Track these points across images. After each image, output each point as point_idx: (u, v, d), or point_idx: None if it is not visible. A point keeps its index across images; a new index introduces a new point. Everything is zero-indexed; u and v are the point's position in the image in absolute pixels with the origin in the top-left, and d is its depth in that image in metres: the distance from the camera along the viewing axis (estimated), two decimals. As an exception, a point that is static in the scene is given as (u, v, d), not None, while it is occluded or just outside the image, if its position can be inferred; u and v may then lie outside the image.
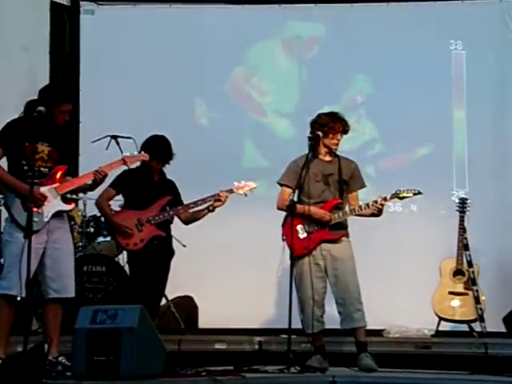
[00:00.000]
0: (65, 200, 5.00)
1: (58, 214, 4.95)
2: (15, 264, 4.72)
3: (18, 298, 4.73)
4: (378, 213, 5.44)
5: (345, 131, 5.54)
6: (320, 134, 5.47)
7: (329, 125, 5.48)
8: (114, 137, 6.67)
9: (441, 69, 7.50)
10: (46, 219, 4.87)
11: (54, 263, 4.89)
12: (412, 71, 7.48)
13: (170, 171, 6.10)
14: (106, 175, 5.02)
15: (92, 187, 5.11)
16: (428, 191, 5.82)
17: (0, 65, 7.26)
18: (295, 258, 5.41)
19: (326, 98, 7.10)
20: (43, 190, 4.88)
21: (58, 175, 4.96)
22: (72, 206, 5.20)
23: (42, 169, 4.93)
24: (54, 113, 4.92)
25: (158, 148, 5.87)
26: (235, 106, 7.69)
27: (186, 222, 5.99)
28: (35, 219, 4.79)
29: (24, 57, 7.32)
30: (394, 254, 7.20)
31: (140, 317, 4.35)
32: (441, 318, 6.69)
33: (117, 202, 6.18)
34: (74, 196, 5.41)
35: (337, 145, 5.53)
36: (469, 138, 7.49)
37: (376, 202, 5.40)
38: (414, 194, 5.43)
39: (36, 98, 5.00)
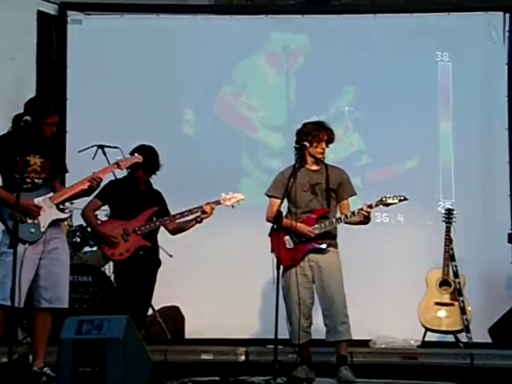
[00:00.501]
0: (59, 209, 5.00)
1: (54, 224, 4.97)
2: (10, 275, 4.70)
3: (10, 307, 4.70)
4: (366, 220, 5.44)
5: (330, 140, 5.55)
6: (306, 143, 5.49)
7: (313, 133, 5.51)
8: (101, 146, 6.67)
9: (427, 80, 7.54)
10: (42, 229, 4.89)
11: (47, 273, 4.90)
12: (398, 82, 7.51)
13: (157, 181, 6.10)
14: (101, 180, 5.04)
15: (87, 193, 5.12)
16: (414, 202, 5.84)
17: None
18: (283, 269, 5.41)
19: (314, 109, 7.11)
20: (38, 200, 4.89)
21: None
22: (68, 214, 5.22)
23: (36, 180, 4.94)
24: (41, 125, 4.93)
25: (146, 158, 5.86)
26: (223, 118, 7.69)
27: (173, 232, 5.99)
28: (32, 230, 4.81)
29: (10, 66, 7.30)
30: (381, 265, 7.21)
31: (126, 327, 4.33)
32: (427, 329, 6.71)
33: (103, 212, 6.18)
34: (61, 206, 5.38)
35: (322, 153, 5.54)
36: (455, 149, 7.52)
37: (361, 209, 5.41)
38: (400, 201, 5.44)
39: (22, 111, 5.00)
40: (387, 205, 5.43)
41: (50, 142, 5.03)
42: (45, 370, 4.81)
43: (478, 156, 7.48)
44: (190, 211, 5.83)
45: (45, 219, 4.90)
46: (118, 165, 5.24)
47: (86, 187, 5.02)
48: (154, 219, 5.92)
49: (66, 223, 6.64)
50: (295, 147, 5.54)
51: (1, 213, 4.93)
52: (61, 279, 4.94)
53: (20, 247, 4.66)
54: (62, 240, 5.03)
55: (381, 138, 7.46)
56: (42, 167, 4.96)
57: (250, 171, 7.55)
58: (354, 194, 5.64)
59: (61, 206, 5.16)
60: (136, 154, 5.45)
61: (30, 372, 4.51)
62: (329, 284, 5.44)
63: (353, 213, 5.44)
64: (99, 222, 6.07)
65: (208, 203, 5.80)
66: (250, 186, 7.18)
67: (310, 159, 5.56)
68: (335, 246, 5.57)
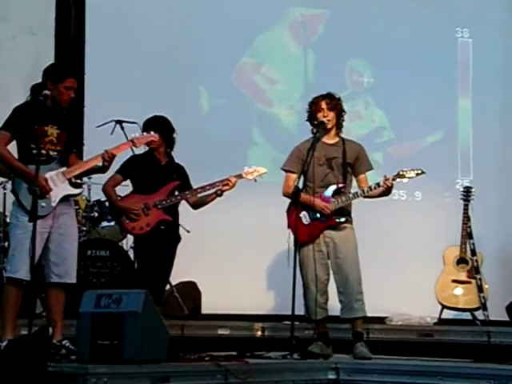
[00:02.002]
0: (72, 184, 4.99)
1: (65, 199, 4.94)
2: (20, 247, 4.73)
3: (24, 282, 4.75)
4: (387, 191, 5.41)
5: (333, 108, 5.49)
6: (324, 119, 5.46)
7: (312, 102, 5.50)
8: (119, 122, 6.65)
9: (447, 57, 7.50)
10: (53, 204, 4.86)
11: (57, 248, 4.89)
12: (418, 58, 7.47)
13: (178, 156, 6.09)
14: (114, 157, 5.00)
15: (102, 170, 5.09)
16: (433, 179, 5.83)
17: (6, 48, 7.26)
18: (299, 245, 5.41)
19: (333, 85, 7.07)
20: (50, 174, 4.87)
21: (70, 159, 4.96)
22: (80, 190, 5.18)
23: (51, 152, 4.90)
24: (60, 89, 4.89)
25: (161, 127, 5.82)
26: (241, 93, 7.67)
27: (195, 206, 5.94)
28: (43, 204, 4.79)
29: (30, 40, 7.30)
30: (398, 242, 7.21)
31: (144, 302, 4.34)
32: (444, 306, 6.71)
33: (123, 188, 6.17)
34: (79, 180, 5.38)
35: (328, 121, 5.49)
36: (474, 127, 7.49)
37: (387, 179, 5.36)
38: (417, 174, 5.40)
39: (41, 81, 4.99)
40: (405, 178, 5.40)
41: (68, 115, 5.01)
42: (64, 342, 4.84)
43: (496, 134, 7.45)
44: (212, 185, 5.78)
45: (56, 194, 4.86)
46: (132, 142, 5.21)
47: (99, 163, 4.99)
48: (176, 193, 5.89)
49: (83, 198, 6.67)
50: (307, 120, 5.53)
51: (13, 185, 4.94)
52: (69, 254, 4.93)
53: (28, 220, 4.64)
54: (70, 215, 5.01)
55: (401, 114, 7.43)
56: (58, 139, 4.93)
57: (265, 147, 7.54)
58: (371, 168, 5.61)
59: (78, 181, 5.15)
60: (152, 133, 5.41)
61: (50, 344, 4.54)
62: (344, 260, 5.43)
63: (377, 184, 5.40)
64: (119, 197, 6.05)
65: (230, 176, 5.77)
66: (264, 160, 7.16)
67: (325, 133, 5.52)
68: (350, 222, 5.55)
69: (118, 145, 5.12)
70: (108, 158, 4.95)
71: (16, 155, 4.92)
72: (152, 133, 5.39)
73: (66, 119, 4.98)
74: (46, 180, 4.82)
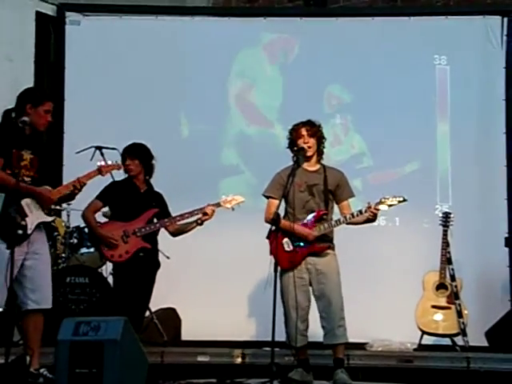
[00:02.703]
0: (45, 212, 4.98)
1: (38, 226, 4.93)
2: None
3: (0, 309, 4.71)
4: (373, 218, 5.43)
5: (314, 134, 5.52)
6: (304, 145, 5.49)
7: (293, 128, 5.53)
8: (99, 148, 6.66)
9: (425, 83, 7.55)
10: (29, 231, 4.86)
11: (33, 274, 4.88)
12: (397, 85, 7.52)
13: (157, 182, 6.09)
14: (84, 185, 5.02)
15: (70, 197, 5.10)
16: (412, 205, 5.84)
17: (-16, 75, 7.24)
18: (280, 272, 5.40)
19: (312, 112, 7.12)
20: (26, 201, 4.86)
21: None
22: (53, 217, 5.20)
23: (26, 178, 4.91)
24: (39, 112, 4.90)
25: (140, 154, 5.85)
26: (221, 118, 7.70)
27: (174, 234, 5.98)
28: (19, 231, 4.78)
29: (8, 67, 7.29)
30: (378, 267, 7.22)
31: (123, 329, 4.33)
32: (423, 332, 6.71)
33: (101, 213, 6.16)
34: (58, 207, 5.37)
35: (309, 148, 5.52)
36: (452, 153, 7.54)
37: (369, 207, 5.38)
38: (399, 202, 5.43)
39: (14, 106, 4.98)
40: (387, 205, 5.42)
41: (43, 139, 5.01)
42: (41, 371, 4.80)
43: (475, 160, 7.50)
44: (191, 213, 5.82)
45: (32, 221, 4.87)
46: (99, 170, 5.23)
47: (68, 191, 5.00)
48: (155, 221, 5.91)
49: (62, 224, 6.64)
50: (288, 147, 5.56)
51: None
52: (45, 280, 4.93)
53: (5, 249, 4.64)
54: (43, 241, 5.02)
55: (380, 141, 7.47)
56: (32, 164, 4.94)
57: (247, 172, 7.55)
58: (353, 195, 5.64)
59: (57, 208, 5.15)
60: (116, 161, 5.44)
61: (27, 373, 4.49)
62: (327, 287, 5.43)
63: (360, 211, 5.42)
64: (99, 223, 6.05)
65: (209, 205, 5.79)
66: (246, 187, 7.17)
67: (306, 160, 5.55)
68: (333, 248, 5.57)
69: (88, 173, 5.13)
70: (79, 185, 4.97)
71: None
72: (116, 161, 5.42)
73: (40, 144, 4.99)
74: (21, 207, 4.80)
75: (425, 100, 7.53)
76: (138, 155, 5.83)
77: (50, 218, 5.04)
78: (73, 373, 4.27)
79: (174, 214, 5.93)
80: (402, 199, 5.43)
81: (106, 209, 6.08)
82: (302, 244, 5.48)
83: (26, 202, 4.87)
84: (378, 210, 5.36)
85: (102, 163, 5.33)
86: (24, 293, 4.86)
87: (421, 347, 6.63)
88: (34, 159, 4.95)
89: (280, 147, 5.76)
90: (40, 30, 7.60)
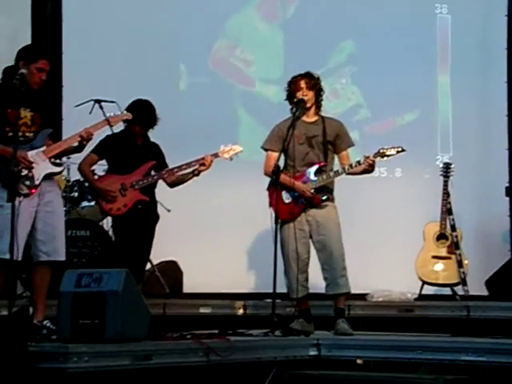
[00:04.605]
0: (52, 163, 4.99)
1: (47, 177, 4.95)
2: (7, 228, 4.71)
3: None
4: (370, 168, 5.42)
5: (312, 87, 5.48)
6: (304, 97, 5.46)
7: (291, 81, 5.49)
8: (98, 101, 6.58)
9: (426, 33, 7.49)
10: (37, 182, 4.88)
11: (45, 226, 4.89)
12: (397, 35, 7.46)
13: (155, 135, 6.07)
14: (92, 136, 5.01)
15: (78, 149, 5.09)
16: (412, 156, 5.84)
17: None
18: (280, 223, 5.41)
19: (311, 63, 7.03)
20: (31, 153, 4.88)
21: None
22: (62, 168, 5.22)
23: (27, 134, 4.91)
24: (31, 70, 4.86)
25: (142, 112, 5.83)
26: (219, 71, 7.64)
27: (172, 185, 5.96)
28: (26, 183, 4.80)
29: (5, 21, 7.22)
30: (379, 218, 7.23)
31: (125, 280, 4.34)
32: (424, 282, 6.75)
33: (101, 167, 6.16)
34: (58, 161, 5.36)
35: (308, 100, 5.48)
36: (453, 103, 7.50)
37: (368, 157, 5.37)
38: (398, 152, 5.41)
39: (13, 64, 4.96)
40: (385, 156, 5.41)
41: (41, 96, 4.99)
42: (45, 322, 4.83)
43: (476, 110, 7.47)
44: (188, 164, 5.80)
45: (39, 172, 4.88)
46: (108, 121, 5.21)
47: (76, 143, 4.99)
48: (152, 173, 5.90)
49: (63, 178, 6.64)
50: (286, 99, 5.53)
51: None
52: (57, 232, 4.94)
53: (15, 202, 4.65)
54: (56, 193, 5.03)
55: (379, 92, 7.42)
56: (33, 121, 4.93)
57: (248, 125, 7.52)
58: (352, 144, 5.62)
59: (57, 161, 5.14)
60: (125, 112, 5.40)
61: (31, 325, 4.53)
62: (328, 238, 5.44)
63: (358, 162, 5.40)
64: (96, 176, 6.05)
65: (206, 155, 5.77)
66: (248, 139, 7.14)
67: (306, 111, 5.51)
68: (332, 200, 5.56)
69: (95, 123, 5.12)
70: (87, 136, 4.95)
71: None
72: (125, 112, 5.38)
73: (39, 100, 4.96)
74: (23, 157, 4.81)
75: (425, 50, 7.46)
76: (137, 118, 5.77)
77: (58, 169, 5.05)
78: (75, 324, 4.30)
79: (171, 166, 5.91)
80: (400, 149, 5.41)
81: None
82: (300, 198, 5.47)
83: (30, 155, 4.88)
84: (374, 161, 5.35)
85: (111, 114, 5.30)
86: (35, 245, 4.89)
87: (421, 297, 6.68)
88: (35, 116, 4.94)
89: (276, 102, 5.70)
90: (36, -17, 7.51)
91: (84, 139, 4.96)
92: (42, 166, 4.90)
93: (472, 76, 7.46)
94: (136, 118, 5.59)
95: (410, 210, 7.18)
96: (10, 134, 4.82)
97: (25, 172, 4.83)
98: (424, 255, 6.75)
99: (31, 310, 4.59)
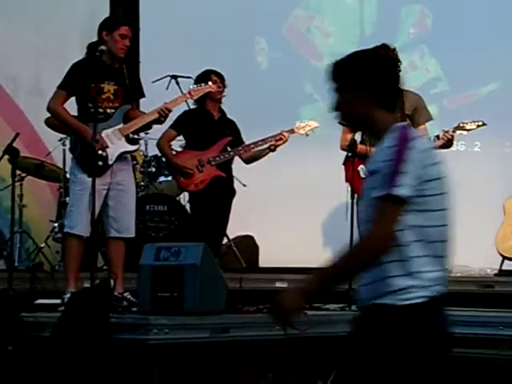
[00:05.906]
0: (129, 140, 5.04)
1: (122, 156, 5.00)
2: (78, 204, 4.82)
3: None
4: (448, 143, 5.33)
5: None
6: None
7: None
8: (174, 76, 6.65)
9: (505, 2, 7.27)
10: (110, 162, 4.94)
11: (116, 204, 4.98)
12: (477, 5, 7.26)
13: (230, 110, 6.07)
14: (170, 111, 5.04)
15: (158, 122, 5.14)
16: (492, 129, 5.70)
17: (61, 9, 7.29)
18: (357, 198, 5.36)
19: (388, 36, 6.94)
20: (106, 132, 4.93)
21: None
22: (137, 146, 5.27)
23: (108, 110, 4.96)
24: (115, 37, 4.91)
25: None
26: (293, 46, 7.59)
27: (247, 161, 5.98)
28: (100, 163, 4.87)
29: (84, 0, 7.32)
30: (457, 193, 7.08)
31: (203, 254, 4.38)
32: (504, 257, 6.61)
33: (178, 143, 6.21)
34: (136, 136, 5.42)
35: None
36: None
37: (447, 131, 5.29)
38: (478, 126, 5.31)
39: (97, 39, 5.02)
40: (465, 130, 5.30)
41: (126, 68, 5.03)
42: (125, 294, 4.93)
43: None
44: (264, 140, 5.81)
45: (113, 152, 4.94)
46: (190, 94, 5.23)
47: (155, 118, 5.03)
48: (229, 149, 5.91)
49: (141, 153, 6.72)
50: None
51: (71, 143, 5.02)
52: (128, 210, 5.02)
53: (88, 179, 4.74)
54: (128, 171, 5.09)
55: (457, 64, 7.26)
56: (116, 95, 4.98)
57: (318, 102, 7.45)
58: (431, 118, 5.53)
59: (135, 137, 5.19)
60: (210, 83, 5.40)
61: (112, 296, 4.63)
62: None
63: (437, 136, 5.32)
64: (174, 152, 6.10)
65: (283, 131, 5.76)
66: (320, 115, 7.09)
67: None
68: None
69: (175, 98, 5.15)
70: (166, 112, 4.99)
71: (76, 114, 4.99)
72: (210, 83, 5.38)
73: (123, 74, 5.00)
74: (99, 138, 4.88)
75: (505, 20, 7.25)
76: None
77: (133, 147, 5.10)
78: (155, 296, 4.37)
79: (247, 141, 5.91)
80: (481, 123, 5.31)
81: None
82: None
83: (106, 133, 4.94)
84: (452, 135, 5.25)
85: (192, 86, 5.31)
86: (107, 221, 5.00)
87: (501, 272, 6.55)
88: (118, 90, 4.98)
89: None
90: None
91: (162, 115, 5.00)
92: (117, 144, 4.95)
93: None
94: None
95: (490, 184, 7.02)
96: (92, 110, 4.88)
97: (99, 152, 4.89)
98: (504, 230, 6.60)
99: (112, 282, 4.68)
